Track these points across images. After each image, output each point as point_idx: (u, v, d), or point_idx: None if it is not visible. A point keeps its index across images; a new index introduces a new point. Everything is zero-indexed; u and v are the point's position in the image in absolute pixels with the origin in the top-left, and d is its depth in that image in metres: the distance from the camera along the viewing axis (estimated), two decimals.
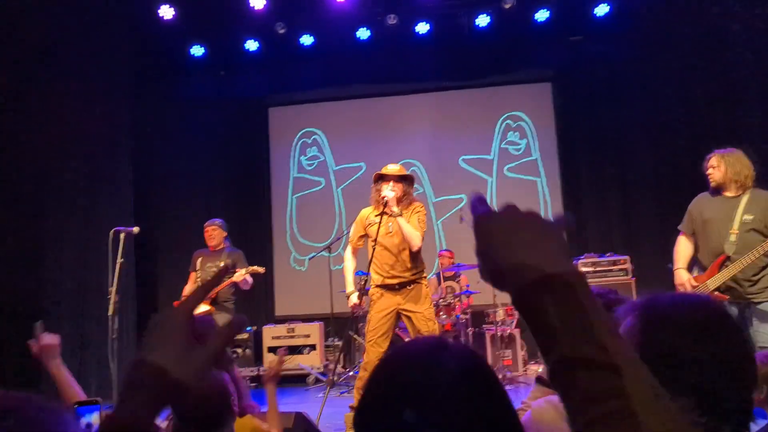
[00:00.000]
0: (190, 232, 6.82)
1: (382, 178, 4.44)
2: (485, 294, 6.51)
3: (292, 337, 7.01)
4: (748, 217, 3.80)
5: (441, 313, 6.48)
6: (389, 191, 4.29)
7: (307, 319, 7.28)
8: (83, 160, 6.70)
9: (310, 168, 8.27)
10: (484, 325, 6.87)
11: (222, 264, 5.37)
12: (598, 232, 7.51)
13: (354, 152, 8.11)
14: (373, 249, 4.34)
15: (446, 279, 7.00)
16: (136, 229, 5.16)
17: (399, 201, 4.34)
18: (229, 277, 5.51)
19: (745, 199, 3.84)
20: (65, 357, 5.92)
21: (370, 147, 8.04)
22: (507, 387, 5.87)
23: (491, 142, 8.01)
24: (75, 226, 6.58)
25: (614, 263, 6.42)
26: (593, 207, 7.65)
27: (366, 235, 4.51)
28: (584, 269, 6.45)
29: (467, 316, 6.53)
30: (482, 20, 7.12)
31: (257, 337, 7.20)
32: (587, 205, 7.69)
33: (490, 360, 6.60)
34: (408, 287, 4.38)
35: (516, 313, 6.65)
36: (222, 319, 5.34)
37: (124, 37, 6.91)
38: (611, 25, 7.09)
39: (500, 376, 6.18)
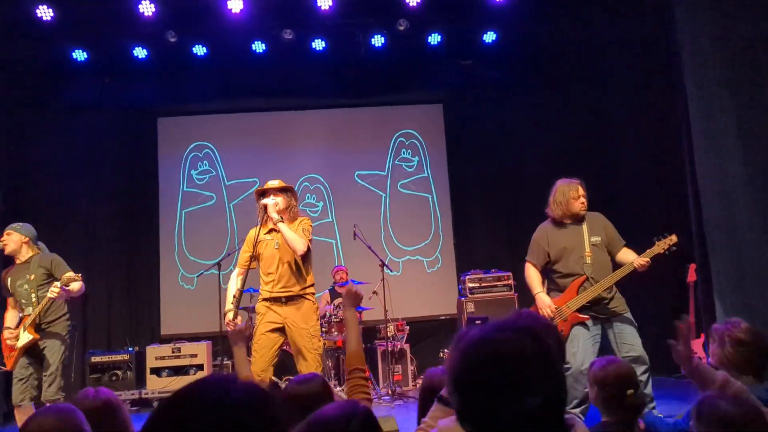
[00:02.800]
0: (69, 247, 6.38)
1: (263, 194, 4.48)
2: (377, 310, 6.59)
3: (177, 357, 6.71)
4: (595, 239, 4.30)
5: (333, 330, 6.47)
6: (271, 207, 4.33)
7: (195, 338, 7.01)
8: None
9: (200, 182, 8.01)
10: (375, 341, 6.93)
11: (32, 276, 4.59)
12: (484, 248, 7.80)
13: (247, 167, 7.94)
14: (271, 265, 4.35)
15: (339, 295, 7.00)
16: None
17: (282, 213, 4.39)
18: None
19: (585, 224, 4.34)
20: None
21: (263, 162, 7.93)
22: (397, 402, 5.95)
23: (385, 159, 8.14)
24: None
25: (498, 279, 6.73)
26: (481, 224, 7.95)
27: (254, 256, 4.47)
28: (471, 285, 6.70)
29: None
30: (377, 40, 7.24)
31: (140, 358, 6.84)
32: (475, 221, 7.98)
33: (380, 375, 6.66)
34: (294, 301, 4.36)
35: (407, 328, 6.77)
36: (52, 347, 4.60)
37: None
38: (498, 51, 7.44)
39: (389, 391, 6.25)
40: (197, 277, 7.39)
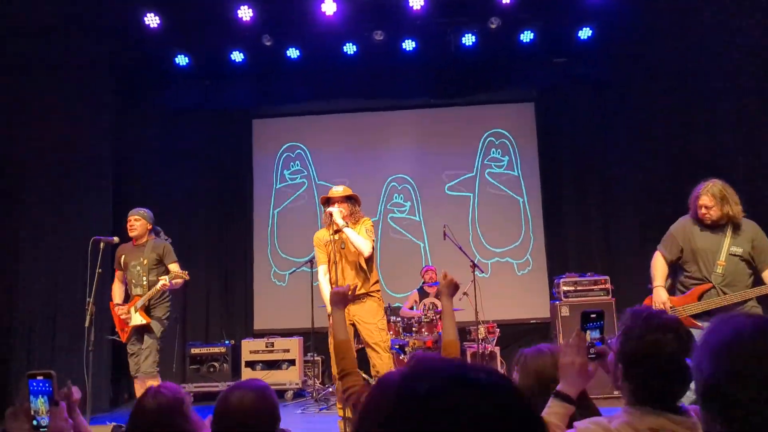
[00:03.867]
0: (171, 242, 6.68)
1: (328, 201, 4.69)
2: (467, 311, 6.51)
3: (271, 351, 6.90)
4: (736, 249, 3.91)
5: (423, 330, 6.46)
6: (335, 209, 4.55)
7: (287, 333, 7.18)
8: (63, 167, 6.60)
9: (293, 182, 8.22)
10: (465, 342, 6.86)
11: (145, 261, 5.00)
12: (578, 251, 7.58)
13: (337, 167, 8.08)
14: (334, 265, 4.55)
15: (428, 295, 6.99)
16: (116, 239, 5.08)
17: (347, 218, 4.59)
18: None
19: (730, 230, 3.94)
20: (39, 366, 5.79)
21: (354, 162, 8.05)
22: None
23: (474, 159, 8.06)
24: (52, 234, 6.46)
25: (595, 283, 6.47)
26: (574, 227, 7.72)
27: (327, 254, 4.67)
28: (565, 288, 6.50)
29: None
30: (468, 39, 7.18)
31: (235, 351, 7.09)
32: (568, 224, 7.76)
33: None
34: (361, 300, 4.57)
35: (497, 331, 6.66)
36: (152, 325, 4.98)
37: (108, 43, 6.83)
38: (594, 48, 7.21)
39: None
40: (289, 274, 7.57)
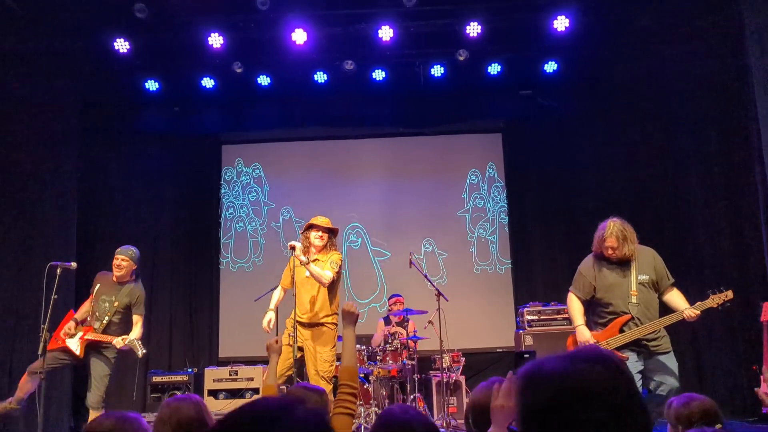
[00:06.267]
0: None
1: (311, 227, 4.97)
2: (432, 340, 6.51)
3: (234, 380, 6.81)
4: (643, 277, 4.23)
5: (387, 358, 6.42)
6: (316, 239, 4.89)
7: (251, 362, 7.10)
8: (26, 187, 6.51)
9: (261, 208, 8.22)
10: (430, 371, 6.84)
11: (116, 303, 5.02)
12: (544, 280, 7.64)
13: (306, 193, 8.11)
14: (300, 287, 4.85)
15: (394, 324, 6.97)
16: (73, 265, 5.00)
17: (321, 249, 4.93)
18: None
19: (634, 261, 4.25)
20: None
21: (323, 188, 8.08)
22: None
23: (442, 188, 8.14)
24: (13, 258, 6.34)
25: (558, 312, 6.55)
26: (541, 256, 7.81)
27: (292, 279, 4.87)
28: (529, 317, 6.55)
29: (413, 362, 6.48)
30: (437, 70, 7.30)
31: (198, 379, 6.97)
32: (535, 253, 7.84)
33: (435, 407, 6.56)
34: (317, 327, 4.82)
35: (462, 360, 6.66)
36: (99, 363, 4.98)
37: (77, 67, 6.83)
38: (559, 81, 7.37)
39: (444, 424, 6.14)
40: (255, 301, 7.49)
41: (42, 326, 4.57)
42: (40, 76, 6.63)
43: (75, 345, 4.97)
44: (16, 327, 6.22)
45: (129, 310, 5.09)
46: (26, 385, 4.89)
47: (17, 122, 6.54)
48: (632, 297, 4.19)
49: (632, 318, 4.17)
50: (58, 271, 4.75)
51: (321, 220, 5.01)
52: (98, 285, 5.14)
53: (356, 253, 8.09)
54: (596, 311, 4.38)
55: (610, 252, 4.22)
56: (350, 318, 2.83)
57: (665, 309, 4.31)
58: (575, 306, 4.42)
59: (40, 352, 4.50)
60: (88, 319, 5.12)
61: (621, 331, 4.19)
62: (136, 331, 5.02)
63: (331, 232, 5.03)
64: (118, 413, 1.97)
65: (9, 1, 5.98)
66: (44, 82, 6.66)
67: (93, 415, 4.79)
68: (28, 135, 6.56)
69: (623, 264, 4.27)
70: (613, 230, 4.20)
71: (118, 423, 1.90)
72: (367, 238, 8.09)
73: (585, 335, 4.28)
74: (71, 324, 5.05)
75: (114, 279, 5.13)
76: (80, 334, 5.00)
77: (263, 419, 0.86)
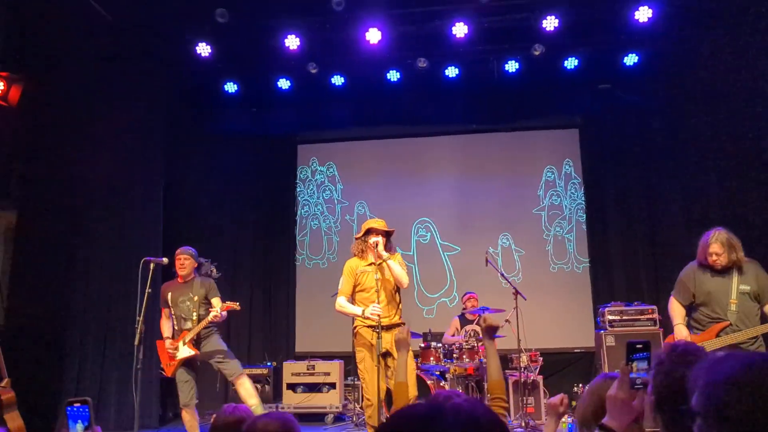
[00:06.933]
0: (217, 265, 6.85)
1: (368, 232, 4.80)
2: (509, 338, 6.42)
3: (312, 374, 6.94)
4: (744, 288, 4.33)
5: (464, 357, 6.39)
6: (380, 240, 4.70)
7: (328, 356, 7.22)
8: (115, 189, 6.85)
9: (335, 206, 8.38)
10: (507, 371, 6.75)
11: (195, 297, 5.21)
12: (625, 280, 7.43)
13: (379, 192, 8.19)
14: (377, 294, 4.57)
15: (469, 322, 6.93)
16: (165, 260, 5.24)
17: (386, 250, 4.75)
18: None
19: (736, 272, 4.35)
20: (89, 383, 5.87)
21: (396, 186, 8.12)
22: None
23: (518, 184, 8.03)
24: (104, 256, 6.69)
25: (641, 312, 6.33)
26: (620, 255, 7.59)
27: (356, 285, 4.78)
28: (610, 317, 6.37)
29: None
30: (511, 66, 7.21)
31: (277, 373, 7.15)
32: (614, 252, 7.63)
33: (512, 406, 6.48)
34: (395, 329, 4.58)
35: (540, 360, 6.55)
36: (212, 343, 5.23)
37: (161, 72, 7.12)
38: (640, 74, 7.13)
39: (522, 424, 6.06)
40: (332, 297, 7.62)
41: (137, 318, 4.79)
42: (126, 80, 6.95)
43: (187, 351, 5.16)
44: (109, 321, 6.54)
45: (208, 301, 5.28)
46: (191, 421, 5.14)
47: (106, 125, 6.87)
48: (731, 305, 4.30)
49: (730, 324, 4.28)
50: (152, 266, 4.97)
51: (379, 223, 4.84)
52: (169, 293, 5.33)
53: (425, 248, 8.10)
54: (696, 316, 4.51)
55: (714, 258, 4.31)
56: (489, 332, 3.03)
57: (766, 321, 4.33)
58: (675, 308, 4.57)
59: (136, 343, 4.71)
60: (176, 329, 5.30)
61: (717, 336, 4.30)
62: (217, 303, 5.22)
63: (388, 234, 4.87)
64: (276, 414, 2.06)
65: (98, 7, 6.30)
66: (130, 86, 6.97)
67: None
68: (115, 136, 6.88)
69: (725, 273, 4.36)
70: (718, 237, 4.32)
71: (284, 425, 1.98)
72: (437, 232, 8.08)
73: (683, 333, 4.39)
74: (168, 343, 5.23)
75: (180, 280, 5.35)
76: (181, 342, 5.19)
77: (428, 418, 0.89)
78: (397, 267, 4.67)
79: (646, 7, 6.33)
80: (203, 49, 7.02)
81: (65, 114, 6.80)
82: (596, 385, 2.13)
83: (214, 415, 2.29)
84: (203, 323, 5.14)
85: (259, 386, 7.01)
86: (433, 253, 8.10)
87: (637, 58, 7.01)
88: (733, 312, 4.29)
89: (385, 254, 4.65)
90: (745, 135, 6.92)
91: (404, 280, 4.70)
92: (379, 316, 4.46)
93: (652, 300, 6.51)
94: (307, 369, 6.95)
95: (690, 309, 4.54)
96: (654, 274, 7.23)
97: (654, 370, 1.68)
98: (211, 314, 5.08)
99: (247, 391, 5.20)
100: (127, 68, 6.94)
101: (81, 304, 6.57)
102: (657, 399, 1.65)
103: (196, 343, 5.20)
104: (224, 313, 5.17)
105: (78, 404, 1.98)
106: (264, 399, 6.91)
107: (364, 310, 4.62)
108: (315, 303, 7.98)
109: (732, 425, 1.06)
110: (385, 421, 0.97)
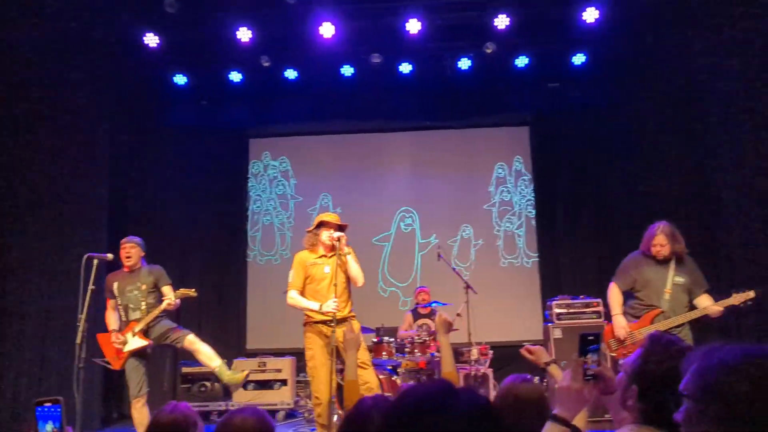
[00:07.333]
0: (163, 260, 6.68)
1: (322, 225, 4.72)
2: (460, 332, 6.50)
3: (263, 371, 6.87)
4: (679, 279, 4.62)
5: (416, 351, 6.43)
6: (327, 239, 4.64)
7: (279, 353, 7.16)
8: (56, 182, 6.59)
9: (287, 201, 8.28)
10: (457, 364, 6.82)
11: (143, 286, 5.03)
12: (572, 274, 7.60)
13: (332, 188, 8.16)
14: (334, 288, 4.56)
15: (422, 316, 6.98)
16: (110, 256, 5.04)
17: (331, 248, 4.70)
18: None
19: (673, 264, 4.63)
20: (27, 382, 5.63)
21: (351, 181, 8.11)
22: None
23: (468, 181, 8.12)
24: (45, 251, 6.44)
25: (587, 305, 6.49)
26: (568, 250, 7.76)
27: (307, 277, 4.71)
28: (558, 310, 6.51)
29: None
30: (464, 63, 7.28)
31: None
32: (562, 247, 7.79)
33: None
34: (347, 322, 4.60)
35: (490, 353, 6.65)
36: (162, 327, 5.05)
37: (106, 62, 6.88)
38: (588, 73, 7.30)
39: None
40: (284, 293, 7.55)
41: (79, 315, 4.62)
42: (68, 71, 6.68)
43: (137, 342, 4.97)
44: (46, 318, 6.31)
45: (156, 288, 5.11)
46: (139, 417, 4.89)
47: (46, 118, 6.60)
48: (666, 294, 4.60)
49: (663, 312, 4.59)
50: (95, 262, 4.81)
51: (333, 217, 4.81)
52: (115, 283, 5.13)
53: (387, 240, 8.13)
54: (632, 304, 4.78)
55: (658, 249, 4.58)
56: (444, 327, 3.06)
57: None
58: (615, 297, 4.81)
59: (78, 341, 4.55)
60: (123, 320, 5.11)
61: (651, 323, 4.62)
62: (168, 291, 5.06)
63: (342, 229, 4.81)
64: (252, 409, 2.02)
65: None
66: (72, 78, 6.70)
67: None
68: (57, 130, 6.63)
69: (664, 264, 4.63)
70: (663, 229, 4.60)
71: (261, 420, 1.97)
72: (396, 225, 8.12)
73: (621, 324, 4.71)
74: (114, 336, 5.04)
75: (126, 270, 5.15)
76: (129, 333, 5.01)
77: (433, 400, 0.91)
78: (354, 265, 4.67)
79: (593, 8, 6.49)
80: (151, 40, 6.85)
81: (1, 107, 6.50)
82: (510, 385, 2.19)
83: (155, 413, 2.23)
84: (155, 312, 4.95)
85: (209, 384, 6.93)
86: (399, 245, 8.11)
87: (584, 57, 7.18)
88: (667, 300, 4.59)
89: (346, 249, 4.63)
90: (690, 132, 7.18)
91: (360, 278, 4.69)
92: (335, 310, 4.45)
93: (597, 293, 6.66)
94: (258, 366, 6.88)
95: (627, 296, 4.81)
96: (599, 269, 7.42)
97: (639, 360, 1.75)
98: (165, 302, 4.91)
99: (206, 355, 5.04)
100: (70, 58, 6.69)
101: (16, 306, 6.30)
102: (641, 388, 1.71)
103: (146, 332, 5.02)
104: (178, 300, 5.00)
105: (48, 404, 1.91)
106: (214, 397, 6.83)
107: (321, 305, 4.54)
108: (267, 299, 7.90)
109: (724, 406, 1.14)
110: (398, 397, 1.00)
